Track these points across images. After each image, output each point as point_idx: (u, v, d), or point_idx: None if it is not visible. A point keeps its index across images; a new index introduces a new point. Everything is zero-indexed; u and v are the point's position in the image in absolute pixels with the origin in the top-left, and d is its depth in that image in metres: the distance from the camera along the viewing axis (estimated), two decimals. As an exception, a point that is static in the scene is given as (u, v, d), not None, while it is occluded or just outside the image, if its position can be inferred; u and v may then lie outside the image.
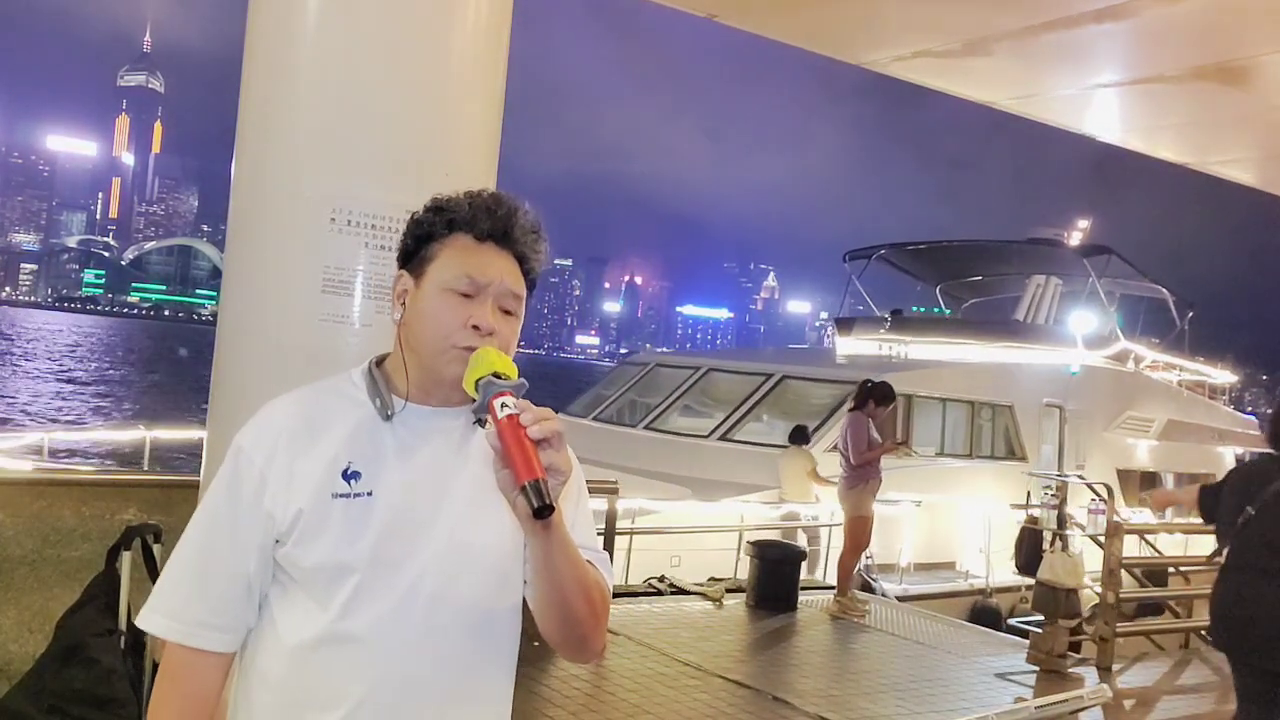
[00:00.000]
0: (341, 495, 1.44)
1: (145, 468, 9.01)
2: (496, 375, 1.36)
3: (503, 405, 1.32)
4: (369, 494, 1.44)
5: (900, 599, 9.22)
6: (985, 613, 10.00)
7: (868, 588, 9.19)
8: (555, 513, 1.33)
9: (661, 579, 7.95)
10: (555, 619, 1.48)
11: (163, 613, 1.47)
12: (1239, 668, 4.18)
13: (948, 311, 19.14)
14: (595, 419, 12.62)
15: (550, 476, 1.30)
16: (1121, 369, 15.31)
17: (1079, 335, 14.78)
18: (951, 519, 11.33)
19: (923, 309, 17.81)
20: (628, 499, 8.21)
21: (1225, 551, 4.21)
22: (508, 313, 1.49)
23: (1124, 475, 13.77)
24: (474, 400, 1.36)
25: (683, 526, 8.64)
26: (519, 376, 1.38)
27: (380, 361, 1.56)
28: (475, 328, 1.44)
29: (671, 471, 10.35)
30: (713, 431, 11.56)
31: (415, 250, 1.52)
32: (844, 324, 15.86)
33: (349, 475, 1.45)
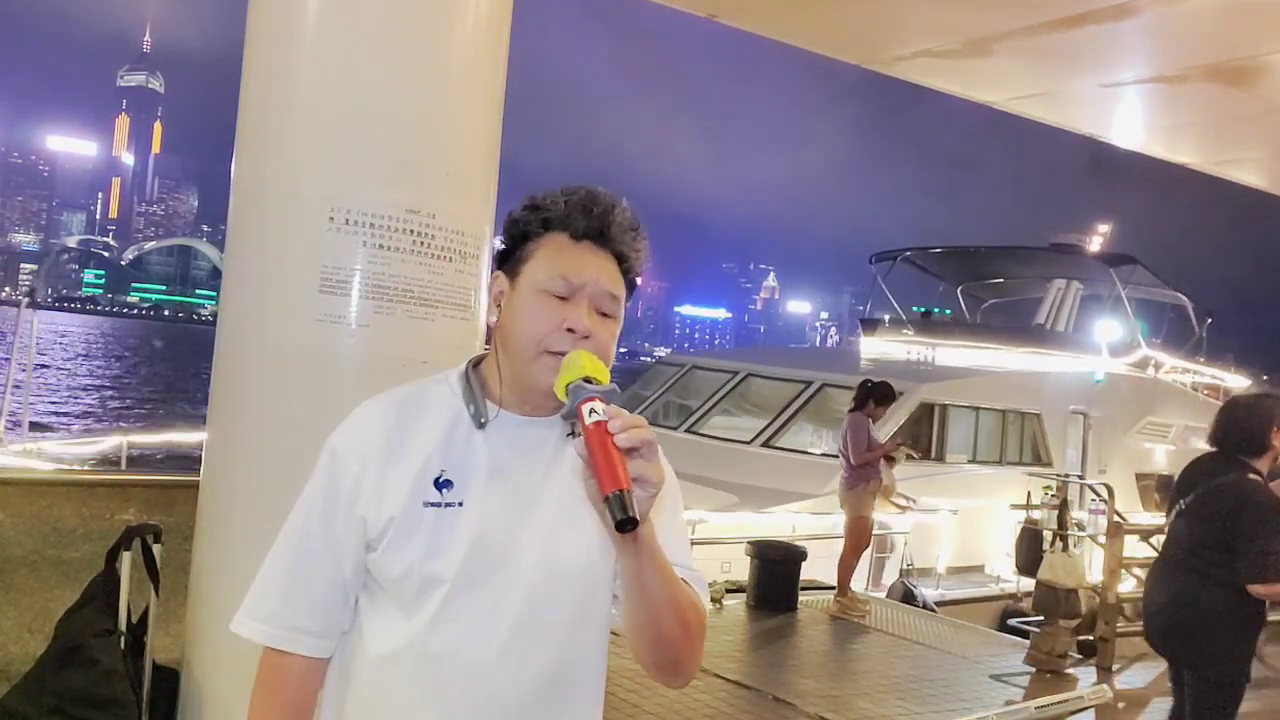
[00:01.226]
0: (433, 504, 1.41)
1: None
2: (588, 380, 1.30)
3: (591, 411, 1.26)
4: (460, 504, 1.41)
5: (939, 604, 9.33)
6: (1018, 615, 10.11)
7: (910, 595, 9.23)
8: (646, 527, 1.28)
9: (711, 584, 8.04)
10: (648, 640, 1.42)
11: (258, 618, 1.45)
12: (1164, 656, 4.33)
13: (948, 312, 19.36)
14: None
15: (639, 487, 1.24)
16: (1142, 376, 15.57)
17: (1104, 343, 15.06)
18: (980, 524, 11.42)
19: (927, 308, 18.10)
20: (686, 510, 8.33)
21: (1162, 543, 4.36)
22: (605, 315, 1.43)
23: (1143, 479, 14.05)
24: (564, 405, 1.31)
25: (738, 537, 8.68)
26: (611, 382, 1.32)
27: (477, 364, 1.52)
28: (570, 330, 1.39)
29: (715, 476, 10.41)
30: (755, 438, 11.66)
31: (512, 250, 1.47)
32: (869, 325, 16.14)
33: (441, 484, 1.42)
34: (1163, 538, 4.62)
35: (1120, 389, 14.54)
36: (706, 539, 8.38)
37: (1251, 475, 4.06)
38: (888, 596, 9.19)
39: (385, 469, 1.42)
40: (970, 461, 12.16)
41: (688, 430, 12.12)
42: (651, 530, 1.32)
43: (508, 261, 1.47)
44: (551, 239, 1.44)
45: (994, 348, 14.94)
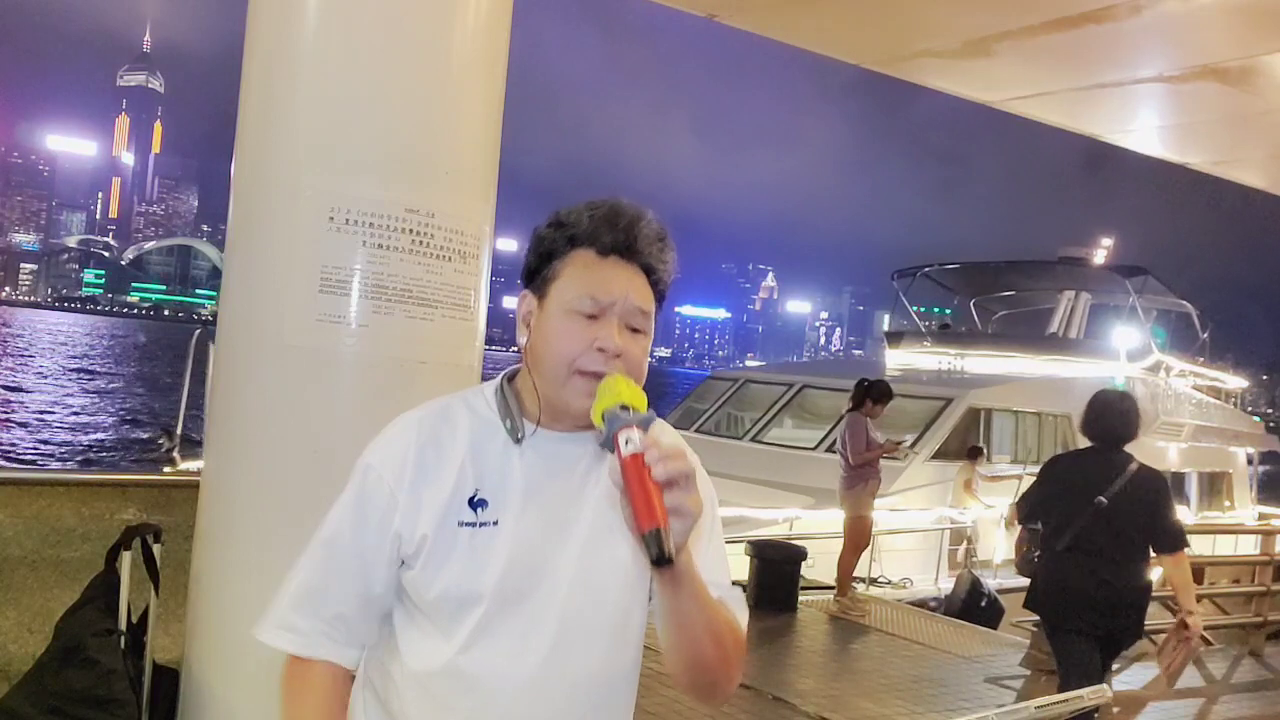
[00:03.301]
0: (468, 524, 1.39)
1: None
2: (624, 407, 1.28)
3: (627, 441, 1.23)
4: (495, 523, 1.40)
5: (1000, 591, 9.80)
6: None
7: (977, 585, 9.54)
8: (683, 556, 1.26)
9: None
10: (683, 662, 1.42)
11: (284, 626, 1.45)
12: (1073, 638, 4.64)
13: (947, 311, 19.94)
14: (698, 431, 13.55)
15: (676, 519, 1.22)
16: (1155, 379, 16.24)
17: (1122, 350, 15.73)
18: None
19: (944, 322, 18.80)
20: (783, 509, 9.55)
21: (1068, 535, 4.57)
22: (635, 330, 1.42)
23: None
24: (600, 432, 1.29)
25: (826, 533, 9.14)
26: (649, 408, 1.29)
27: (512, 377, 1.50)
28: (601, 350, 1.37)
29: (787, 481, 11.10)
30: (819, 443, 12.34)
31: (538, 269, 1.45)
32: (893, 337, 17.05)
33: (476, 503, 1.40)
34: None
35: (1137, 392, 15.07)
36: (802, 535, 9.17)
37: (1139, 461, 4.65)
38: (956, 585, 9.60)
39: (420, 486, 1.41)
40: (1012, 462, 12.80)
41: (752, 439, 12.93)
42: (688, 559, 1.30)
43: (535, 280, 1.45)
44: (578, 256, 1.42)
45: (1017, 356, 15.77)
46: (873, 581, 9.75)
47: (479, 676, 1.39)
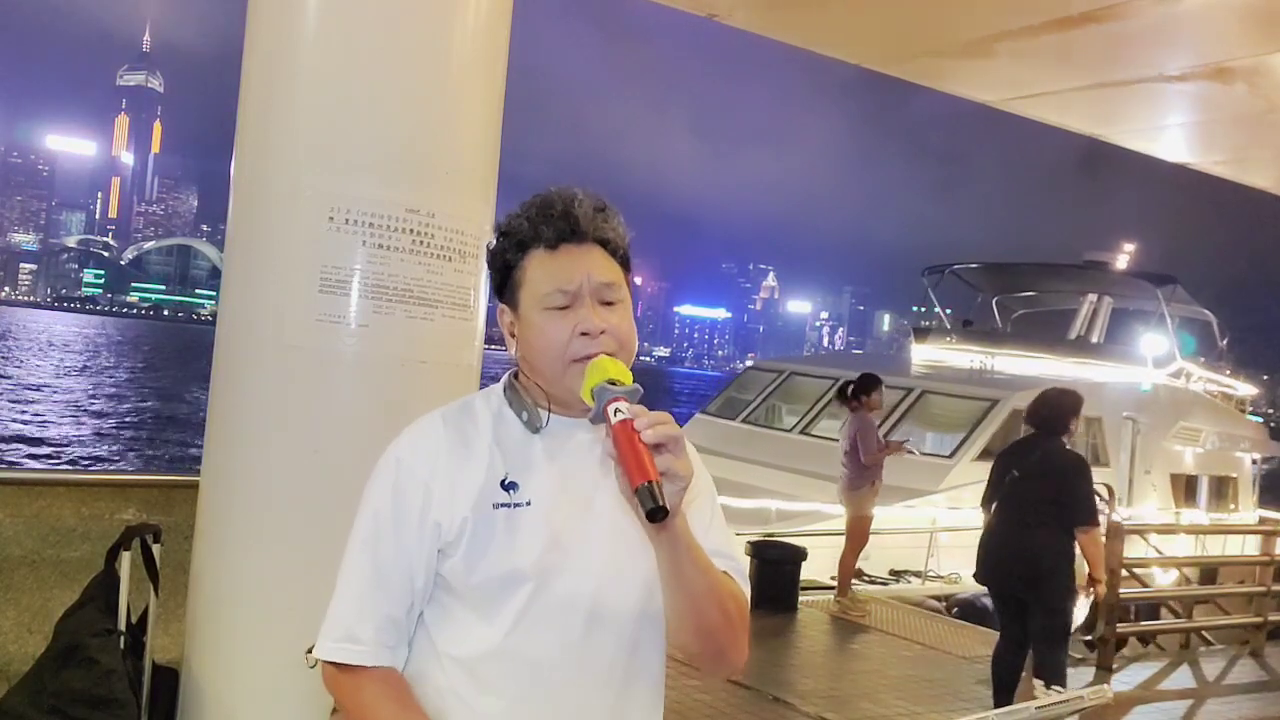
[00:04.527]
0: (503, 505, 1.44)
1: None
2: (611, 382, 1.36)
3: (616, 411, 1.32)
4: (528, 503, 1.45)
5: None
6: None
7: None
8: (679, 520, 1.33)
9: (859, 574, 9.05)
10: (690, 630, 1.47)
11: (340, 639, 1.45)
12: (1002, 597, 5.39)
13: (948, 310, 20.15)
14: (744, 421, 13.61)
15: (668, 481, 1.29)
16: (1176, 385, 16.57)
17: (1149, 356, 16.05)
18: None
19: (935, 308, 18.99)
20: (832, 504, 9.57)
21: (994, 508, 5.34)
22: (610, 303, 1.48)
23: (1175, 479, 15.13)
24: (591, 407, 1.37)
25: (889, 528, 9.51)
26: (634, 382, 1.38)
27: (517, 374, 1.56)
28: (585, 334, 1.44)
29: (836, 474, 11.19)
30: None
31: (503, 283, 1.52)
32: (920, 332, 17.44)
33: (508, 485, 1.46)
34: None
35: (1161, 397, 15.52)
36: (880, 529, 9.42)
37: (1063, 444, 5.28)
38: None
39: (454, 473, 1.45)
40: None
41: (801, 432, 13.08)
42: (685, 523, 1.37)
43: (504, 293, 1.52)
44: (532, 258, 1.49)
45: (1044, 357, 15.97)
46: (926, 577, 10.06)
47: (526, 656, 1.43)
